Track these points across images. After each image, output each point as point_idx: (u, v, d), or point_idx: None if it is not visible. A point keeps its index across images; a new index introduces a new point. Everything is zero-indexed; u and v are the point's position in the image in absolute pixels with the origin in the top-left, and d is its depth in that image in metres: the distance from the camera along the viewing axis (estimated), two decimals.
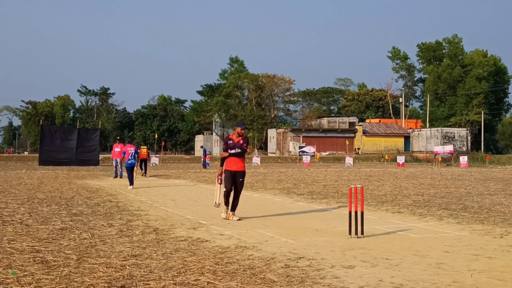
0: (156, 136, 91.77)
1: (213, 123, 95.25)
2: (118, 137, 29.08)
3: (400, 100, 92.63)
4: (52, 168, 36.29)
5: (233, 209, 10.28)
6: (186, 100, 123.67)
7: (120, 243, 7.40)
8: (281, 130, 78.52)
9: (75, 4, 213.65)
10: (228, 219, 10.14)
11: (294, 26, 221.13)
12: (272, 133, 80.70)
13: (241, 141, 10.17)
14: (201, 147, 43.86)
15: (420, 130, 76.31)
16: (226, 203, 10.23)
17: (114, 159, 25.40)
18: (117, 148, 25.06)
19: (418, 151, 71.93)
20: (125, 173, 24.83)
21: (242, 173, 10.26)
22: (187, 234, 8.31)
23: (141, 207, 12.20)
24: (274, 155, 74.20)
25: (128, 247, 7.09)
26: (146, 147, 28.36)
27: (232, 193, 10.22)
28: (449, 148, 55.03)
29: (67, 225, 9.10)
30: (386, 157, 58.67)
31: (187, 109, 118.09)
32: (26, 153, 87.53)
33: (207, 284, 5.23)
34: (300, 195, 15.92)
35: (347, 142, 70.36)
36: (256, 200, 14.48)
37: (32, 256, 6.43)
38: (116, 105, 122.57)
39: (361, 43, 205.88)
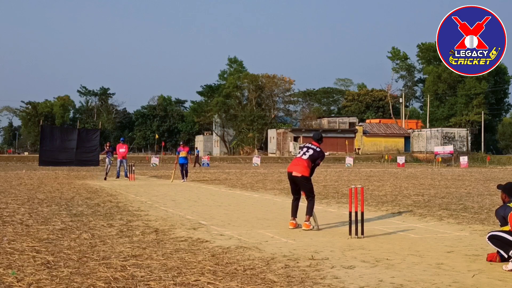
0: (157, 136, 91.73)
1: (213, 124, 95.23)
2: (123, 139, 29.51)
3: (400, 101, 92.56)
4: (52, 168, 36.32)
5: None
6: (186, 101, 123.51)
7: (120, 244, 7.40)
8: (281, 131, 78.47)
9: (75, 5, 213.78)
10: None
11: (294, 26, 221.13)
12: (272, 133, 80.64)
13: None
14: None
15: (420, 131, 76.25)
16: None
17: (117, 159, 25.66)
18: (121, 149, 25.24)
19: (418, 151, 71.90)
20: (122, 172, 25.39)
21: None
22: (187, 235, 8.30)
23: (141, 208, 12.20)
24: (274, 155, 74.16)
25: (128, 248, 7.09)
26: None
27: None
28: (449, 148, 55.07)
29: (67, 226, 9.10)
30: (386, 158, 58.76)
31: (187, 109, 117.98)
32: (26, 153, 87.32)
33: (207, 284, 5.23)
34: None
35: (347, 142, 70.36)
36: (257, 200, 14.48)
37: (32, 256, 6.44)
38: (116, 105, 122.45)
39: (361, 43, 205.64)
